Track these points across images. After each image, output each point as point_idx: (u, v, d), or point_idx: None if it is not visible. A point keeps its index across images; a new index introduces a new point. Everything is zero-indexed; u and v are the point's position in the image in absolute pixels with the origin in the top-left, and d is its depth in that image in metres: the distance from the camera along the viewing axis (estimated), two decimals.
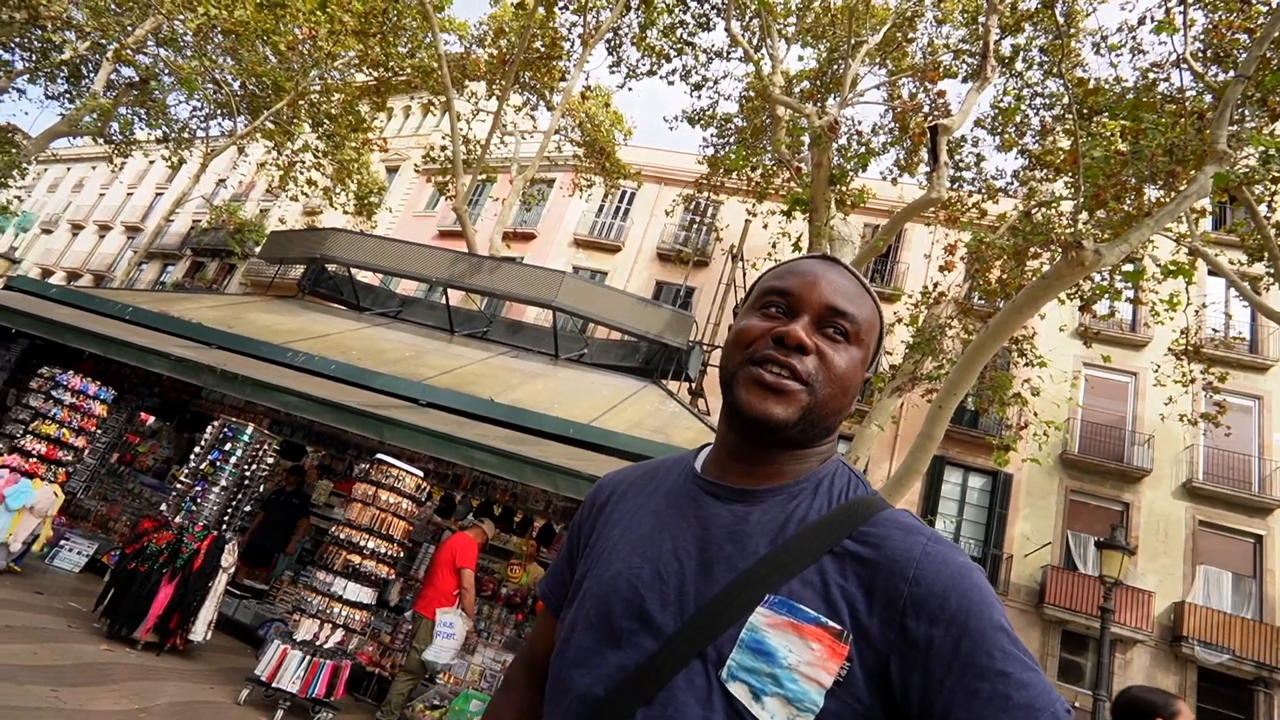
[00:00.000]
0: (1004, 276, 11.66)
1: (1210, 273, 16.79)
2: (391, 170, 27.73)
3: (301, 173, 17.18)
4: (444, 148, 16.04)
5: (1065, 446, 17.51)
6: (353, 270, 10.58)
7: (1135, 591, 15.89)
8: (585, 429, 6.89)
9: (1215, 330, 17.83)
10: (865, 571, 0.83)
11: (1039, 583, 16.94)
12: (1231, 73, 8.99)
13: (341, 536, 5.67)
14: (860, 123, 10.83)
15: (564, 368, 9.21)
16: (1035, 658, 0.52)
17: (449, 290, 9.79)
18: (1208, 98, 9.89)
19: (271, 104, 16.31)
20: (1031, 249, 11.46)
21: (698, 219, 20.59)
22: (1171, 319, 10.75)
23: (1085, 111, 10.36)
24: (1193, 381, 12.49)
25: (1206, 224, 17.14)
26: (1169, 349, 13.49)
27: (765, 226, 14.09)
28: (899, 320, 12.80)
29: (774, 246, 12.23)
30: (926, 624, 0.79)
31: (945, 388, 8.76)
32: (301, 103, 16.43)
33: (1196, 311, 15.65)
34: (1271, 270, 11.19)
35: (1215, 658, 15.33)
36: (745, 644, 0.81)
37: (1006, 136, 12.15)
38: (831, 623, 0.80)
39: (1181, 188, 9.11)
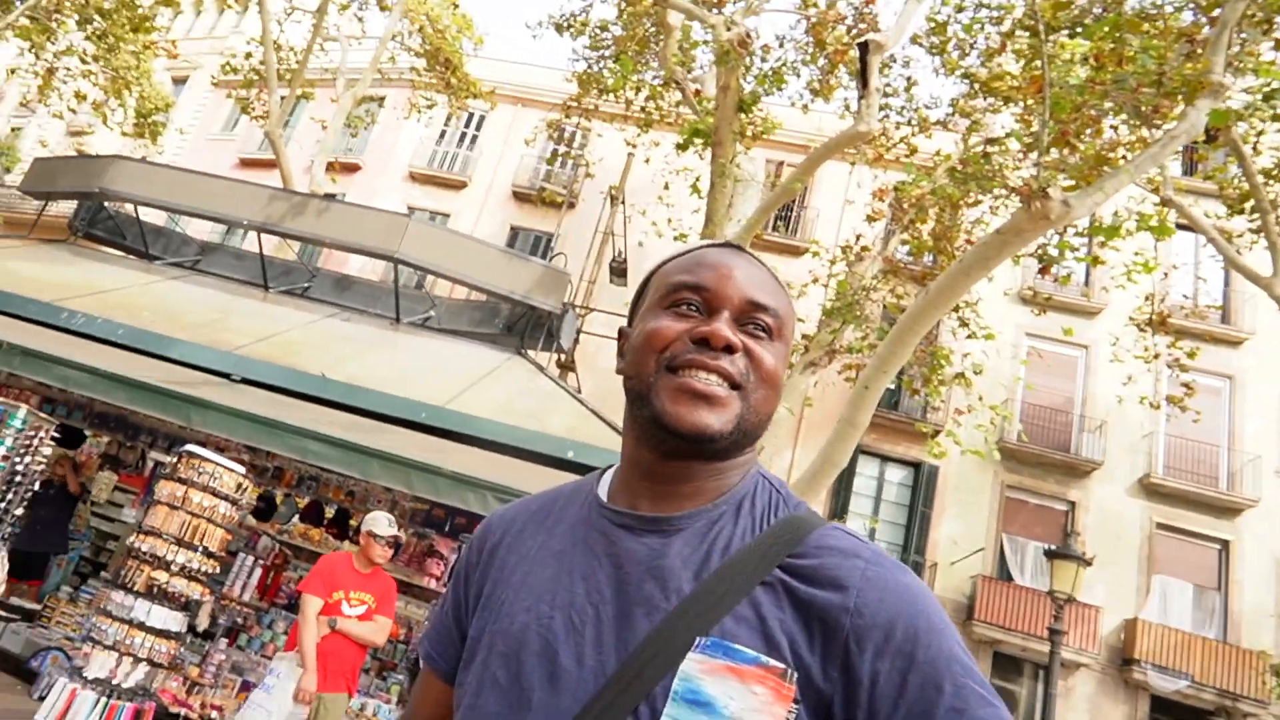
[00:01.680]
0: (938, 229, 12.47)
1: (1180, 226, 18.55)
2: (179, 82, 27.47)
3: (66, 82, 16.79)
4: (249, 55, 16.01)
5: (1002, 434, 18.21)
6: (139, 209, 10.63)
7: (1080, 606, 16.90)
8: (441, 412, 7.32)
9: (1185, 296, 19.20)
10: (802, 604, 0.94)
11: (967, 595, 18.05)
12: None
13: (144, 548, 5.92)
14: (760, 36, 11.29)
15: (408, 334, 9.60)
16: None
17: (260, 236, 10.02)
18: (1187, 15, 10.51)
19: None
20: (973, 196, 12.40)
21: (565, 150, 21.05)
22: (1136, 283, 11.44)
23: (1041, 29, 11.39)
24: (1156, 357, 13.36)
25: (1174, 169, 18.56)
26: (1130, 318, 14.39)
27: (648, 161, 14.49)
28: (814, 280, 13.40)
29: (667, 188, 12.78)
30: (871, 658, 0.90)
31: (873, 364, 9.22)
32: None
33: (1165, 274, 17.11)
34: (1255, 225, 12.19)
35: (1171, 684, 16.80)
36: (680, 696, 0.90)
37: (947, 58, 12.90)
38: (774, 661, 0.91)
39: (1165, 126, 9.62)
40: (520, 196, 22.94)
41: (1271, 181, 12.24)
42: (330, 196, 11.21)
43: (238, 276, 10.35)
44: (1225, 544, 18.34)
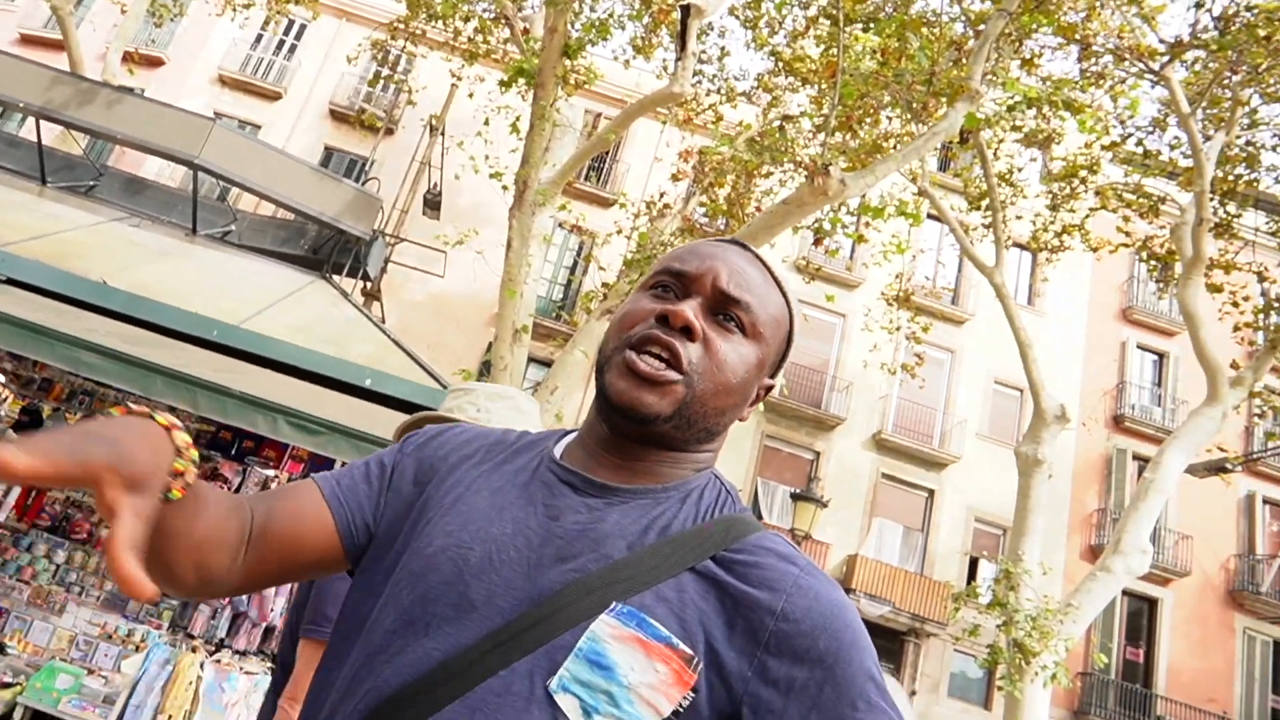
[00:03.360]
0: (733, 194, 12.51)
1: (930, 215, 19.73)
2: None
3: None
4: None
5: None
6: None
7: (814, 543, 18.11)
8: (234, 331, 6.46)
9: (927, 278, 20.57)
10: (729, 598, 0.87)
11: None
12: (989, 2, 9.87)
13: None
14: None
15: (204, 247, 8.50)
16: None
17: (40, 123, 8.52)
18: (959, 27, 10.92)
19: None
20: (766, 167, 12.53)
21: (388, 73, 19.65)
22: (890, 261, 12.28)
23: (841, 19, 11.57)
24: (898, 329, 14.21)
25: (931, 164, 19.74)
26: (882, 293, 15.33)
27: (471, 96, 13.81)
28: (618, 231, 13.26)
29: (487, 123, 12.06)
30: (789, 664, 0.84)
31: None
32: None
33: (914, 256, 18.19)
34: (987, 221, 13.06)
35: (877, 610, 18.25)
36: (583, 653, 0.83)
37: (758, 33, 12.80)
38: (683, 646, 0.84)
39: (930, 123, 9.96)
40: (338, 116, 21.15)
41: (1004, 185, 13.06)
42: (127, 89, 9.75)
43: (9, 166, 8.75)
44: (931, 493, 19.95)
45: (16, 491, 6.33)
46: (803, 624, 0.85)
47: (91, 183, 8.92)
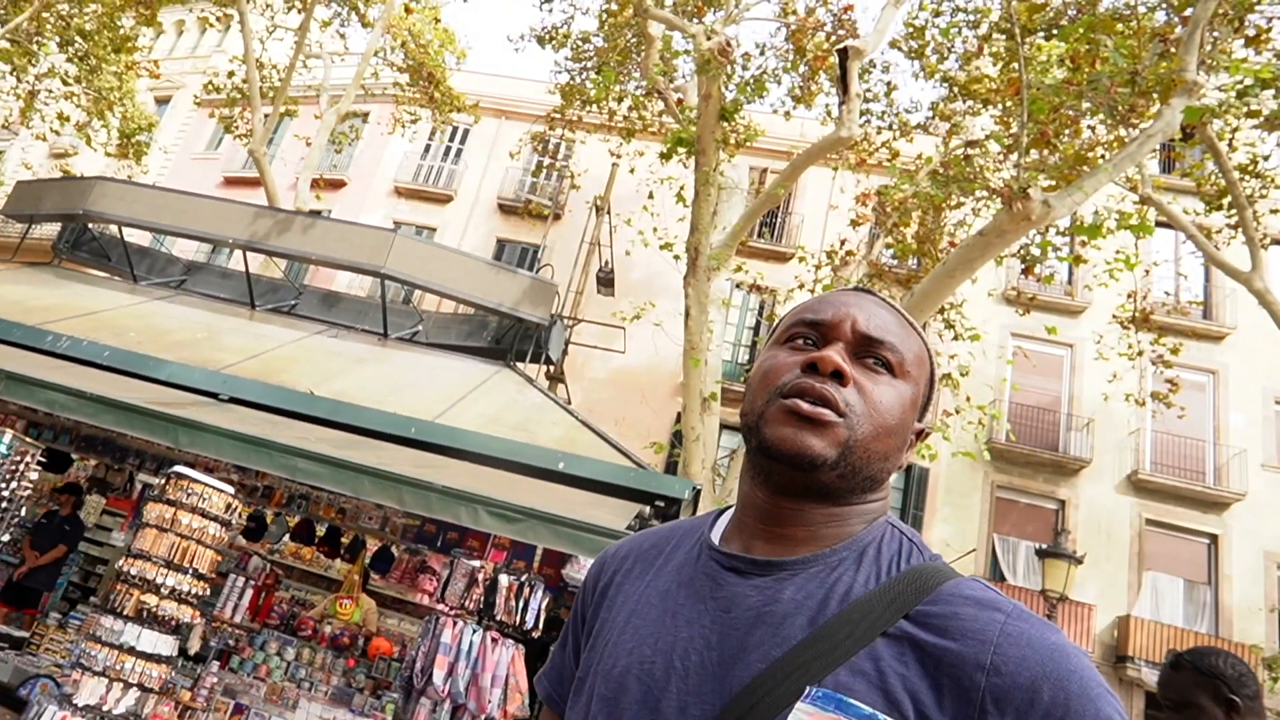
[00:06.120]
0: (922, 231, 12.53)
1: (1159, 224, 18.67)
2: (162, 101, 27.58)
3: (48, 104, 17.06)
4: (232, 73, 16.15)
5: (991, 434, 18.29)
6: (124, 230, 10.62)
7: (1073, 605, 16.98)
8: (430, 427, 7.29)
9: (1167, 293, 19.37)
10: (930, 659, 0.86)
11: None
12: None
13: (133, 572, 5.82)
14: (740, 44, 11.34)
15: (396, 349, 9.58)
16: None
17: (246, 254, 9.98)
18: (1160, 15, 10.70)
19: (8, 17, 15.97)
20: (955, 198, 12.46)
21: (549, 162, 21.13)
22: (1117, 280, 11.59)
23: (1017, 32, 11.48)
24: (1140, 354, 13.57)
25: (1152, 167, 18.70)
26: (1113, 316, 14.60)
27: (632, 171, 14.58)
28: (800, 285, 13.50)
29: (651, 196, 12.75)
30: None
31: None
32: (47, 15, 16.21)
33: (1146, 271, 17.18)
34: (1233, 221, 12.33)
35: None
36: None
37: (926, 61, 12.98)
38: None
39: (1142, 125, 9.85)
40: (506, 209, 22.88)
41: (1248, 177, 12.30)
42: (316, 213, 11.20)
43: (224, 295, 10.34)
44: (1214, 538, 18.41)
45: (250, 592, 7.33)
46: (1019, 676, 0.83)
47: (293, 302, 10.30)
